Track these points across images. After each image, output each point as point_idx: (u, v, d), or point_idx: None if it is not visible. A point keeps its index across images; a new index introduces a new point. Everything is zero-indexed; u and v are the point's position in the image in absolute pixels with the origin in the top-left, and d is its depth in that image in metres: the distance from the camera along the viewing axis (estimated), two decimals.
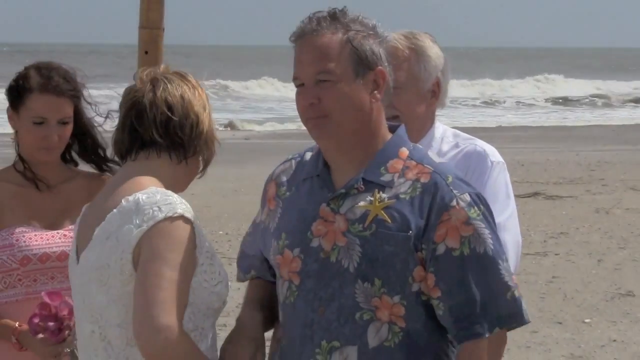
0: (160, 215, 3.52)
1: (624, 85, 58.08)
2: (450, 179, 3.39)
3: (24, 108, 4.35)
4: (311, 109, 3.42)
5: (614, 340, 9.95)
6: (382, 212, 3.38)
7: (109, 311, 3.52)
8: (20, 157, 4.41)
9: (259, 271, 3.69)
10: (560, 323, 10.17)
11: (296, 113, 3.52)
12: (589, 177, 20.89)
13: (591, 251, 13.81)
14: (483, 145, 4.38)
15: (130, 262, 3.48)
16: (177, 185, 3.72)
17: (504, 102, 48.17)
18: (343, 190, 3.43)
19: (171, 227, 3.53)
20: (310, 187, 3.52)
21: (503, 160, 4.40)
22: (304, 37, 3.42)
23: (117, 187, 3.64)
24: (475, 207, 3.37)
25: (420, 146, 3.60)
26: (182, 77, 3.73)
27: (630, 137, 31.58)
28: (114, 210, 3.55)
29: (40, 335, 3.94)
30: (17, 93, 4.37)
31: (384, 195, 3.39)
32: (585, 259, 13.39)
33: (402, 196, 3.39)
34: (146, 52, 5.67)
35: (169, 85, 3.66)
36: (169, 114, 3.63)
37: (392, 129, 3.53)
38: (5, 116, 4.59)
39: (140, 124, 3.63)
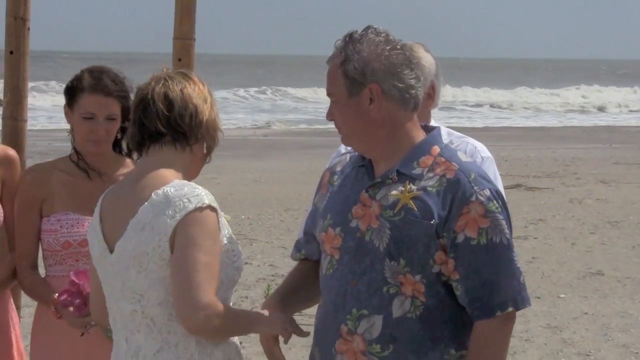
0: (191, 206, 3.51)
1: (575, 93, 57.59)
2: (472, 176, 3.40)
3: (77, 105, 4.33)
4: (334, 124, 3.52)
5: (585, 313, 9.95)
6: (411, 201, 3.39)
7: (150, 292, 3.52)
8: (74, 149, 4.39)
9: (307, 250, 3.75)
10: (538, 298, 10.19)
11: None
12: (564, 171, 20.88)
13: (566, 236, 13.80)
14: (474, 142, 4.41)
15: (168, 249, 3.48)
16: (188, 172, 3.71)
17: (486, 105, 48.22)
18: (379, 180, 3.45)
19: (201, 216, 3.53)
20: (355, 175, 3.55)
21: (492, 156, 4.43)
22: (327, 63, 3.52)
23: (139, 181, 3.63)
24: (494, 202, 3.38)
25: (452, 146, 3.64)
26: (184, 75, 3.72)
27: (600, 137, 31.61)
28: (145, 203, 3.55)
29: (70, 309, 3.92)
30: (72, 92, 4.35)
31: (413, 187, 3.40)
32: (560, 243, 13.37)
33: (429, 189, 3.39)
34: (179, 60, 5.66)
35: (169, 82, 3.65)
36: (169, 106, 3.61)
37: (428, 130, 3.55)
38: (43, 111, 4.57)
39: (146, 116, 3.62)
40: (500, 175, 4.50)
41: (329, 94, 3.48)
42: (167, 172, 3.66)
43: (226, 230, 3.60)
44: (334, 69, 3.45)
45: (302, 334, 3.56)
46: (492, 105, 47.71)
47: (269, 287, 8.59)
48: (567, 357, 8.59)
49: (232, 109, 40.43)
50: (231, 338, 3.62)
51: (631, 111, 46.16)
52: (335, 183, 3.63)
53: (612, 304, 10.35)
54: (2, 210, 4.41)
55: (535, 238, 13.37)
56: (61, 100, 4.51)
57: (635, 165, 22.41)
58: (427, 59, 4.32)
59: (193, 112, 3.64)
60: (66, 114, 4.39)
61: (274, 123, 35.21)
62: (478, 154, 4.36)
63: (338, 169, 3.66)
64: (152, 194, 3.55)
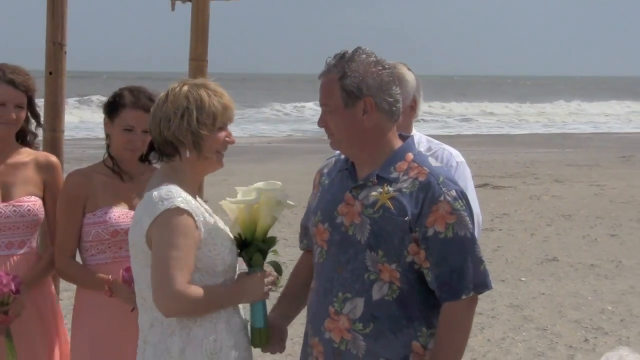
0: (162, 208, 3.50)
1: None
2: (441, 179, 3.42)
3: (118, 118, 4.32)
4: (325, 129, 3.54)
5: (543, 294, 9.94)
6: (388, 201, 3.42)
7: (141, 276, 3.56)
8: (110, 155, 4.37)
9: (307, 241, 3.79)
10: (503, 281, 10.18)
11: None
12: (524, 172, 20.86)
13: (526, 227, 13.80)
14: (450, 149, 4.43)
15: (145, 244, 3.50)
16: (184, 175, 3.66)
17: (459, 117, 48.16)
18: (362, 182, 3.48)
19: (169, 216, 3.50)
20: (341, 178, 3.58)
21: (464, 160, 4.44)
22: (320, 78, 3.51)
23: (149, 185, 3.66)
24: (460, 201, 3.41)
25: (430, 152, 3.76)
26: (166, 93, 3.65)
27: (555, 143, 31.62)
28: (140, 202, 3.61)
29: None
30: (114, 107, 4.33)
31: (390, 189, 3.43)
32: (521, 233, 13.36)
33: (404, 190, 3.42)
34: (193, 74, 5.65)
35: (164, 103, 3.62)
36: (162, 124, 3.61)
37: (404, 139, 3.57)
38: (89, 124, 4.56)
39: (151, 129, 3.68)
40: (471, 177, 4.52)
41: (323, 104, 3.50)
42: (160, 178, 3.65)
43: (208, 227, 3.54)
44: (331, 83, 3.45)
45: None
46: (463, 116, 47.68)
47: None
48: (527, 331, 8.59)
49: (240, 121, 40.43)
50: (219, 318, 3.57)
51: (583, 122, 46.10)
52: (324, 183, 3.66)
53: (565, 286, 10.34)
54: (43, 209, 4.41)
55: (500, 230, 13.39)
56: (86, 114, 4.50)
57: (585, 166, 22.40)
58: (409, 77, 4.35)
59: (162, 128, 3.61)
60: (106, 125, 4.38)
61: (275, 133, 35.33)
62: (453, 159, 4.39)
63: (325, 171, 3.71)
64: (145, 195, 3.58)
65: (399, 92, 3.51)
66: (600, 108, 53.09)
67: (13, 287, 4.11)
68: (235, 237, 3.62)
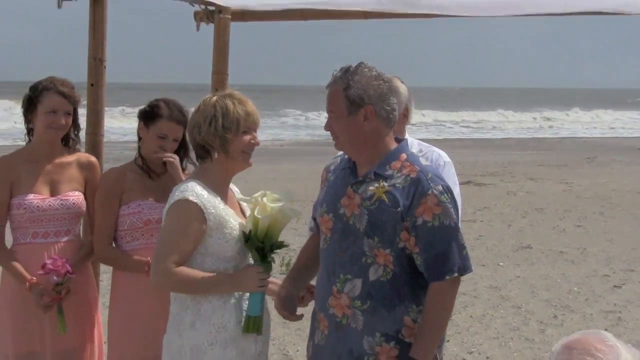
0: (175, 199, 3.57)
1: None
2: (429, 176, 3.44)
3: (154, 127, 4.30)
4: (330, 133, 3.56)
5: (518, 277, 9.92)
6: (383, 194, 3.43)
7: None
8: (140, 155, 4.37)
9: (316, 228, 3.78)
10: (483, 265, 10.18)
11: None
12: (502, 171, 20.83)
13: (504, 219, 13.77)
14: (439, 150, 4.45)
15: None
16: (212, 174, 3.68)
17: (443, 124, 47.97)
18: (361, 179, 3.50)
19: (177, 206, 3.56)
20: (343, 175, 3.59)
21: (451, 161, 4.45)
22: (327, 88, 3.53)
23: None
24: (445, 195, 3.43)
25: (421, 153, 3.76)
26: (199, 105, 3.69)
27: (529, 146, 31.58)
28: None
29: None
30: (151, 116, 4.31)
31: (385, 184, 3.45)
32: (499, 224, 13.33)
33: (397, 185, 3.43)
34: (216, 89, 5.65)
35: (196, 112, 3.66)
36: (194, 130, 3.66)
37: (399, 141, 3.59)
38: (116, 129, 4.55)
39: (188, 136, 3.78)
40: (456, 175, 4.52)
41: (329, 111, 3.52)
42: (190, 176, 3.74)
43: (216, 217, 3.54)
44: (336, 93, 3.47)
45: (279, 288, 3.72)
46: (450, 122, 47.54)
47: (283, 258, 8.62)
48: (504, 309, 8.58)
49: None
50: (229, 298, 3.58)
51: (554, 128, 45.99)
52: (330, 179, 3.67)
53: (537, 270, 10.32)
54: (85, 202, 4.43)
55: (481, 221, 13.37)
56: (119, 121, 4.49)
57: (555, 166, 22.37)
58: (402, 88, 4.35)
59: (194, 133, 3.66)
60: (141, 129, 4.36)
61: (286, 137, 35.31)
62: (441, 159, 4.40)
63: (332, 168, 3.73)
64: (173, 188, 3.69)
65: (395, 102, 3.53)
66: (569, 116, 52.92)
67: (69, 268, 4.15)
68: (243, 230, 3.61)
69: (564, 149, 29.59)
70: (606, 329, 2.46)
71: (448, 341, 5.96)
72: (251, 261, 3.63)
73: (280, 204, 3.57)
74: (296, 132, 38.52)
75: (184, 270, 3.51)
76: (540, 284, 9.62)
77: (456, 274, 3.42)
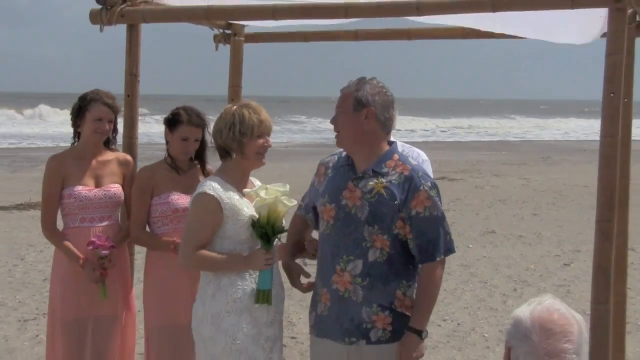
0: (196, 193, 3.63)
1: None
2: (420, 174, 3.47)
3: (177, 131, 4.32)
4: (334, 127, 3.55)
5: (484, 257, 9.98)
6: (382, 189, 3.43)
7: None
8: (170, 155, 4.38)
9: (307, 211, 3.77)
10: (455, 247, 10.18)
11: None
12: (471, 168, 20.88)
13: (472, 209, 13.80)
14: (418, 150, 4.41)
15: None
16: (231, 171, 3.70)
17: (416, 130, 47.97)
18: (361, 175, 3.49)
19: (198, 199, 3.61)
20: (343, 172, 3.57)
21: (428, 159, 4.43)
22: (341, 91, 3.54)
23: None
24: (433, 190, 3.45)
25: (404, 153, 3.69)
26: (222, 112, 3.71)
27: (494, 147, 31.59)
28: None
29: None
30: (174, 122, 4.33)
31: (383, 180, 3.45)
32: (469, 213, 13.36)
33: (393, 181, 3.44)
34: (232, 100, 5.65)
35: (219, 119, 3.70)
36: (216, 135, 3.69)
37: (390, 144, 3.59)
38: (149, 133, 4.55)
39: (212, 139, 3.78)
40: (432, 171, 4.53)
41: (337, 107, 3.52)
42: (215, 172, 3.78)
43: (231, 207, 3.56)
44: (348, 94, 3.50)
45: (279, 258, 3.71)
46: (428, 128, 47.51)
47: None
48: (473, 284, 8.63)
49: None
50: (245, 274, 3.59)
51: (515, 132, 45.94)
52: (329, 174, 3.64)
53: (500, 251, 10.37)
54: (123, 193, 4.44)
55: (454, 210, 13.38)
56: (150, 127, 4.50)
57: (515, 165, 22.38)
58: None
59: (217, 137, 3.69)
60: (166, 134, 4.38)
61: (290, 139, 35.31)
62: (420, 157, 4.36)
63: (330, 165, 3.68)
64: None
65: (393, 113, 3.54)
66: (529, 123, 52.85)
67: (112, 243, 4.20)
68: (251, 219, 3.62)
69: (523, 151, 29.60)
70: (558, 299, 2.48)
71: None
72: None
73: (274, 196, 3.55)
74: (300, 135, 38.51)
75: (203, 253, 3.56)
76: (502, 263, 9.67)
77: (443, 256, 3.45)
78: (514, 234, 11.59)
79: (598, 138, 4.06)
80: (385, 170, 3.46)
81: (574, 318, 2.39)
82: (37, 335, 6.76)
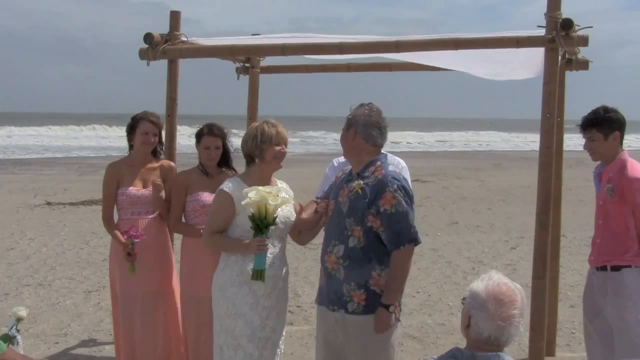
0: (217, 190, 3.64)
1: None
2: (389, 178, 3.38)
3: (201, 142, 4.32)
4: (341, 143, 3.55)
5: (449, 242, 9.93)
6: (359, 189, 3.39)
7: None
8: (200, 163, 4.37)
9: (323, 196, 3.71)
10: (426, 235, 10.15)
11: None
12: (440, 172, 20.78)
13: (440, 205, 13.73)
14: (398, 159, 4.34)
15: None
16: (254, 174, 3.67)
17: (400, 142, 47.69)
18: (350, 177, 3.48)
19: (217, 194, 3.63)
20: (346, 175, 3.57)
21: (406, 165, 4.39)
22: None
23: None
24: (399, 191, 3.34)
25: (387, 162, 3.56)
26: (250, 125, 3.70)
27: (456, 156, 31.56)
28: None
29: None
30: (198, 135, 4.34)
31: (361, 182, 3.40)
32: (437, 208, 13.28)
33: (369, 183, 3.39)
34: (250, 118, 5.65)
35: (246, 133, 3.69)
36: (243, 144, 3.69)
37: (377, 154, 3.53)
38: (187, 144, 4.56)
39: (241, 148, 3.74)
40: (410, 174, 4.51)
41: (342, 129, 3.53)
42: (239, 174, 3.78)
43: (242, 203, 3.49)
44: (347, 116, 3.51)
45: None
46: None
47: None
48: (440, 264, 8.59)
49: None
50: (248, 256, 3.53)
51: (474, 145, 45.77)
52: (340, 177, 3.64)
53: (462, 237, 10.32)
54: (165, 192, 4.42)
55: (425, 206, 13.31)
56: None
57: (474, 170, 22.28)
58: None
59: (243, 146, 3.68)
60: (196, 146, 4.37)
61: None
62: (400, 164, 4.30)
63: (344, 170, 3.67)
64: None
65: (378, 132, 3.45)
66: (480, 137, 52.65)
67: (142, 233, 4.19)
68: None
69: (480, 159, 29.52)
70: (506, 276, 2.49)
71: None
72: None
73: (260, 197, 3.44)
74: (304, 147, 38.51)
75: (217, 236, 3.58)
76: (463, 247, 9.63)
77: (408, 245, 3.35)
78: (472, 224, 11.56)
79: (538, 149, 4.09)
80: (366, 174, 3.42)
81: (517, 289, 2.43)
82: (99, 303, 6.79)
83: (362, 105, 3.48)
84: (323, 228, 3.64)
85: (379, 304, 3.35)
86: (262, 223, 3.49)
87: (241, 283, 3.56)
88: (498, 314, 2.35)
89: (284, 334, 3.72)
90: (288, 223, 3.66)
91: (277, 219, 3.54)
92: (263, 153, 3.62)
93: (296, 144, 39.71)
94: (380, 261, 3.39)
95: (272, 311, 3.61)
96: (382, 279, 3.38)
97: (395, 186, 3.35)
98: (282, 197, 3.51)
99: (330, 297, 3.44)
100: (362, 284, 3.37)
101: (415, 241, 3.37)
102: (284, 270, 3.69)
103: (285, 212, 3.64)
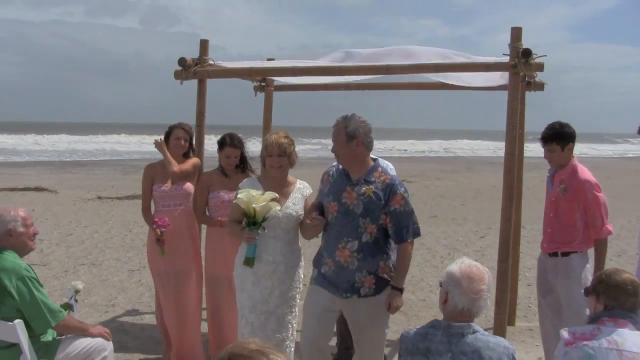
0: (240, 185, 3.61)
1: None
2: (397, 182, 3.34)
3: (223, 151, 4.29)
4: (335, 154, 3.38)
5: (430, 232, 9.89)
6: (371, 193, 3.31)
7: None
8: (221, 166, 4.35)
9: (318, 207, 3.55)
10: None
11: None
12: (421, 174, 20.72)
13: (422, 201, 13.65)
14: (387, 162, 4.21)
15: None
16: (266, 177, 3.63)
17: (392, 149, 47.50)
18: (355, 182, 3.36)
19: (237, 190, 3.57)
20: (341, 178, 3.43)
21: (394, 168, 4.32)
22: (333, 127, 3.37)
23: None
24: (406, 193, 3.33)
25: (386, 167, 3.50)
26: (270, 135, 3.63)
27: (436, 160, 31.50)
28: None
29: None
30: (221, 144, 4.31)
31: (372, 186, 3.33)
32: (420, 204, 13.16)
33: (378, 187, 3.32)
34: (265, 128, 5.62)
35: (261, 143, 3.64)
36: (261, 152, 3.63)
37: (374, 160, 3.46)
38: (212, 150, 4.54)
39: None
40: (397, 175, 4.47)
41: (334, 141, 3.37)
42: (256, 175, 3.78)
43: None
44: (340, 130, 3.34)
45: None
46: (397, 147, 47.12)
47: None
48: (422, 250, 8.57)
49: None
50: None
51: (449, 152, 45.58)
52: (331, 180, 3.50)
53: (440, 229, 10.31)
54: (193, 188, 4.41)
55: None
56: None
57: (450, 172, 22.23)
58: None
59: (261, 154, 3.63)
60: (218, 152, 4.35)
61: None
62: (389, 166, 4.22)
63: (331, 172, 3.55)
64: None
65: (373, 137, 3.42)
66: (459, 144, 52.44)
67: (168, 223, 4.16)
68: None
69: (456, 163, 29.48)
70: (476, 260, 2.53)
71: None
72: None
73: (247, 199, 3.35)
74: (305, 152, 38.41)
75: (231, 223, 3.56)
76: (441, 236, 9.62)
77: (411, 238, 3.35)
78: (449, 217, 11.54)
79: (503, 155, 4.10)
80: (372, 179, 3.32)
81: (485, 270, 2.52)
82: (140, 280, 6.82)
83: (350, 116, 3.35)
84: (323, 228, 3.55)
85: (385, 285, 3.34)
86: (251, 220, 3.45)
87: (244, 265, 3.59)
88: (470, 288, 2.41)
89: (293, 314, 3.58)
90: (293, 217, 3.54)
91: (267, 222, 3.43)
92: (264, 161, 3.63)
93: (317, 150, 39.50)
94: (385, 252, 3.37)
95: (274, 290, 3.55)
96: (386, 267, 3.37)
97: (403, 189, 3.34)
98: (270, 202, 3.39)
99: (344, 286, 3.33)
100: (372, 272, 3.31)
101: (418, 234, 3.38)
102: (287, 259, 3.55)
103: (296, 207, 3.58)
